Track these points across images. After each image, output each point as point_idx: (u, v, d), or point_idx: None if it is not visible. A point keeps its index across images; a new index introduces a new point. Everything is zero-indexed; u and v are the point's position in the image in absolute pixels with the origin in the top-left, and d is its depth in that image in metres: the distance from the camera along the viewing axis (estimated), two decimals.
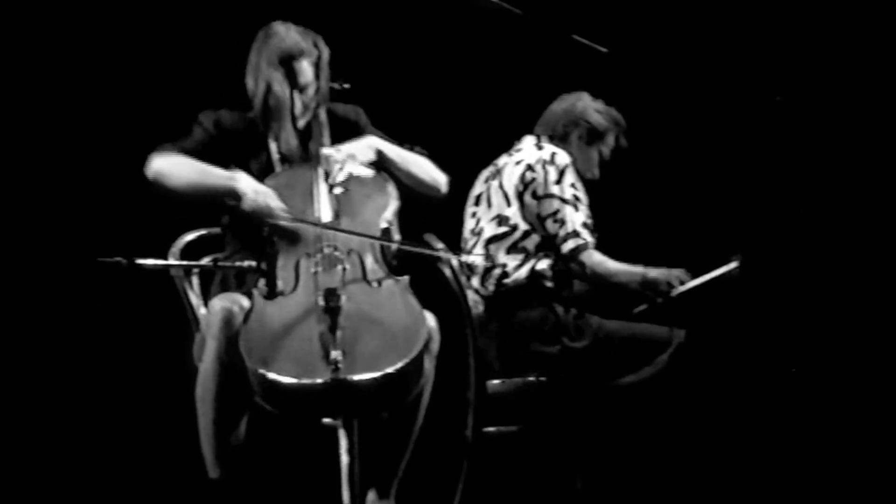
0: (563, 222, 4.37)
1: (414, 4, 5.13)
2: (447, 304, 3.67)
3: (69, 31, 4.99)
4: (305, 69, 3.92)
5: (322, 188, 3.78)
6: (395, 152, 3.92)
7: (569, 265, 4.37)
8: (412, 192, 3.90)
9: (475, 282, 4.42)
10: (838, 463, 4.32)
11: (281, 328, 3.50)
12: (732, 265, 4.31)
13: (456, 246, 4.23)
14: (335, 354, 3.36)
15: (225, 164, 3.82)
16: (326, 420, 3.73)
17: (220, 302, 3.63)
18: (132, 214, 4.80)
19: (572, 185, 4.40)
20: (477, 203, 4.56)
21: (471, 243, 4.50)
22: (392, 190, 3.84)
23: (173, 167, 3.81)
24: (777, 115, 4.09)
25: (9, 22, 4.94)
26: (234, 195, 3.77)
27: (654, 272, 4.38)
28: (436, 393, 3.68)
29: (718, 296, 4.35)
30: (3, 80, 4.94)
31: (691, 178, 5.37)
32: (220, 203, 3.85)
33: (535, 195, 4.41)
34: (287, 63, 3.90)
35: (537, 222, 4.40)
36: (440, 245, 3.64)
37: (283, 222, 3.72)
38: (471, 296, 4.27)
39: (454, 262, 3.68)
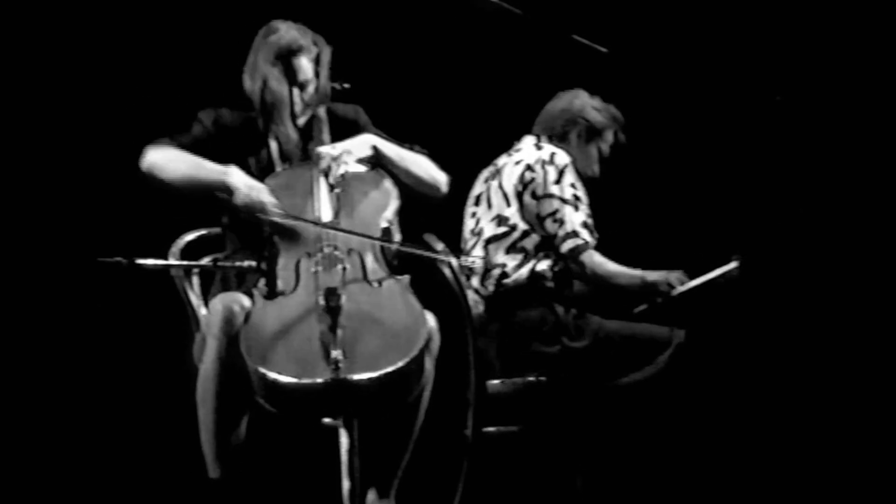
0: (562, 222, 4.36)
1: (414, 4, 5.13)
2: (447, 304, 3.66)
3: (70, 31, 4.99)
4: (304, 66, 3.91)
5: (322, 187, 3.78)
6: (393, 150, 3.91)
7: (568, 265, 4.37)
8: (412, 192, 3.89)
9: (475, 282, 4.42)
10: (838, 463, 4.31)
11: (281, 328, 3.50)
12: (732, 265, 4.32)
13: (456, 246, 4.23)
14: (335, 354, 3.36)
15: (224, 162, 3.81)
16: (327, 420, 3.74)
17: (220, 301, 3.62)
18: (132, 214, 4.81)
19: (572, 185, 4.40)
20: (477, 203, 4.56)
21: (471, 243, 4.50)
22: (392, 189, 3.84)
23: (167, 160, 3.81)
24: (777, 115, 4.09)
25: (9, 22, 4.94)
26: (226, 189, 3.77)
27: (653, 275, 4.38)
28: (436, 393, 3.68)
29: (718, 296, 4.35)
30: (2, 80, 4.94)
31: (691, 178, 5.37)
32: (217, 200, 3.84)
33: (534, 195, 4.41)
34: (285, 59, 3.90)
35: (537, 222, 4.40)
36: (440, 245, 3.63)
37: (276, 218, 3.71)
38: (471, 296, 4.27)
39: (454, 262, 3.67)
